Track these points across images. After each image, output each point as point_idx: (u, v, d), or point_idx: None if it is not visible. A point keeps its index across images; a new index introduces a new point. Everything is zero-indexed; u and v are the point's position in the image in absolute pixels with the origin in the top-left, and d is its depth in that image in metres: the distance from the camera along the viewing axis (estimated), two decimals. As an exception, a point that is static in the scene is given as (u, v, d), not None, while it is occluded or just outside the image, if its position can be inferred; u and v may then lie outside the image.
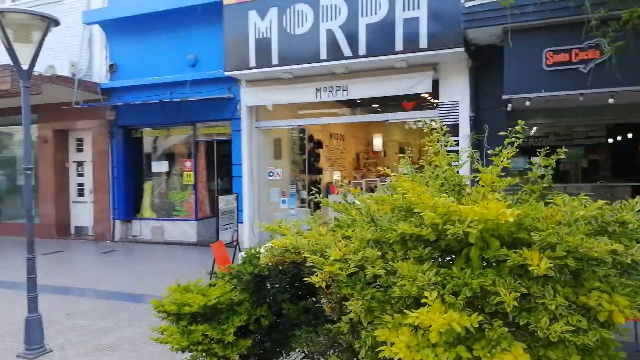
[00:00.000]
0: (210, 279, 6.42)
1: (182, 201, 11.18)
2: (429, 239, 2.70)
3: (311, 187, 12.29)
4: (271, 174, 10.42)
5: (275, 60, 8.99)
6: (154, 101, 10.21)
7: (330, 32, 8.52)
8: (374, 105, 12.16)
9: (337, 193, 11.93)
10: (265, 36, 9.02)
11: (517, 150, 3.36)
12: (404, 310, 2.51)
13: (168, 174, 11.41)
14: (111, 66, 11.25)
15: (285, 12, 8.85)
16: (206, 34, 10.09)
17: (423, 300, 2.38)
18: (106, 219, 11.40)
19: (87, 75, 11.22)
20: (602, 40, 6.18)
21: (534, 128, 10.32)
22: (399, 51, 8.08)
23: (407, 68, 8.55)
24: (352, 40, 8.36)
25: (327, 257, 2.79)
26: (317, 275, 2.73)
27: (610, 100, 6.50)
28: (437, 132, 3.58)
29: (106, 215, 11.40)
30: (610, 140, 11.06)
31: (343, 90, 9.13)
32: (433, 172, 3.34)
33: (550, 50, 6.78)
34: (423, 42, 7.90)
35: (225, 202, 6.60)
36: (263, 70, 9.19)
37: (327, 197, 10.72)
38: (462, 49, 7.66)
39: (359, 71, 8.95)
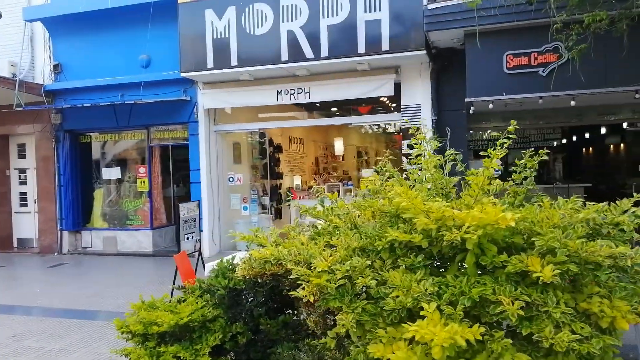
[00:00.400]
0: (172, 294, 6.06)
1: (136, 209, 10.62)
2: (420, 245, 2.57)
3: (272, 192, 12.05)
4: (231, 179, 10.09)
5: (234, 61, 8.69)
6: (104, 104, 9.64)
7: (291, 33, 8.33)
8: (332, 109, 12.11)
9: (300, 198, 11.74)
10: (223, 36, 8.71)
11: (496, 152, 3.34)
12: (399, 323, 2.37)
13: (120, 181, 10.82)
14: (55, 66, 10.55)
15: (244, 12, 8.58)
16: (160, 33, 9.63)
17: (422, 313, 2.24)
18: (52, 230, 10.66)
19: (29, 76, 10.48)
20: (559, 44, 6.34)
21: (488, 131, 10.56)
22: (361, 53, 8.01)
23: (369, 71, 8.49)
24: (314, 42, 8.21)
25: (312, 268, 2.60)
26: (302, 289, 2.54)
27: (572, 103, 6.69)
28: (420, 134, 3.48)
29: (52, 225, 10.66)
30: (565, 142, 11.46)
31: (305, 93, 8.96)
32: (419, 176, 3.23)
33: (510, 54, 6.91)
34: (385, 45, 7.86)
35: (186, 209, 6.26)
36: (221, 71, 8.87)
37: (288, 203, 10.35)
38: (424, 52, 7.67)
39: (321, 74, 8.81)
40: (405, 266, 2.60)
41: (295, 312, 3.39)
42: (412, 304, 2.33)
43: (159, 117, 10.02)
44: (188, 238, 6.30)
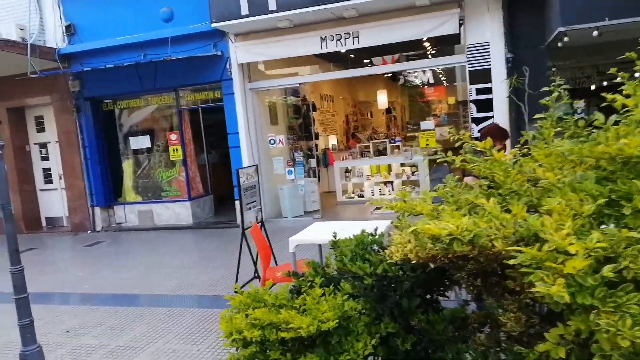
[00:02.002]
0: (256, 276, 5.28)
1: (170, 180, 9.81)
2: None
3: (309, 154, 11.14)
4: (272, 141, 9.18)
5: (272, 5, 7.61)
6: (127, 64, 8.65)
7: (338, -33, 7.21)
8: (365, 61, 11.01)
9: (343, 159, 10.84)
10: (258, -23, 7.60)
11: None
12: None
13: (150, 150, 9.96)
14: (68, 27, 9.52)
15: (281, -54, 7.44)
16: (182, -19, 8.54)
17: None
18: (83, 207, 9.93)
19: (40, 40, 9.47)
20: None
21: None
22: (422, -15, 6.90)
23: (429, 6, 7.41)
24: (365, -24, 7.10)
25: (550, 249, 1.73)
26: (550, 284, 1.66)
27: None
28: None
29: (82, 202, 9.92)
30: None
31: (353, 37, 7.90)
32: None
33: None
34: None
35: (245, 175, 5.40)
36: (257, 18, 7.80)
37: (326, 166, 9.44)
38: (498, -22, 6.56)
39: (371, 14, 7.72)
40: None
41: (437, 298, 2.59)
42: None
43: (187, 76, 9.04)
44: (250, 208, 5.46)
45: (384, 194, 10.24)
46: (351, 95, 16.65)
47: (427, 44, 10.04)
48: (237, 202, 8.93)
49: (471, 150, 2.66)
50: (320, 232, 4.41)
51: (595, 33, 5.78)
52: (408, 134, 14.70)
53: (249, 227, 5.53)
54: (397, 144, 10.50)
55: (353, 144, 13.83)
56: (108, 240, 9.06)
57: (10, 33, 8.97)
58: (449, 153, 2.77)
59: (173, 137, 9.55)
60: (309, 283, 2.65)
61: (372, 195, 10.30)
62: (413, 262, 2.12)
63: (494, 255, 1.98)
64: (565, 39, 6.09)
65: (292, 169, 9.18)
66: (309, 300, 2.47)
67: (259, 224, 5.55)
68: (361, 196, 10.37)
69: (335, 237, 2.92)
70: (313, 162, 9.76)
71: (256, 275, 5.54)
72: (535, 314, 2.13)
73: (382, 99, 13.09)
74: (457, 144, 2.80)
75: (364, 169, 10.47)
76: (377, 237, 2.83)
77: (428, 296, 2.58)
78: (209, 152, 10.89)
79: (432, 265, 2.21)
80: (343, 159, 10.83)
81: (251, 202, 5.53)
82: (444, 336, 2.38)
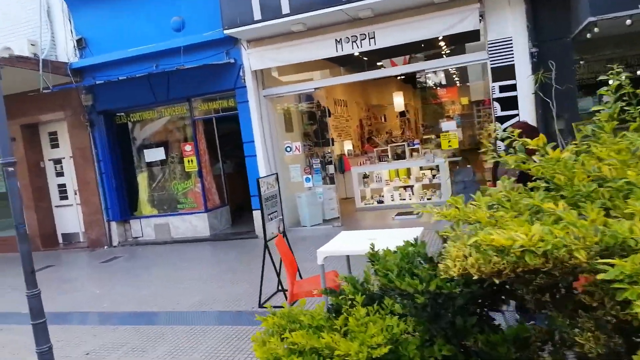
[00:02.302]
0: (280, 288, 5.04)
1: (186, 192, 9.65)
2: None
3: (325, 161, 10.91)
4: (289, 149, 8.97)
5: (285, 9, 7.43)
6: (140, 75, 8.53)
7: (352, -33, 7.00)
8: (379, 63, 10.78)
9: (360, 164, 10.58)
10: (270, -19, 7.43)
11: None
12: None
13: (164, 162, 9.82)
14: (79, 41, 9.45)
15: (292, -51, 7.27)
16: (192, -10, 8.41)
17: None
18: (99, 222, 9.80)
19: (51, 55, 9.41)
20: None
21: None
22: (440, -19, 6.66)
23: (447, 2, 7.15)
24: (380, -26, 6.88)
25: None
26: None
27: None
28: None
29: (98, 217, 9.80)
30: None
31: (369, 38, 7.67)
32: None
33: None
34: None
35: (266, 185, 5.19)
36: (270, 23, 7.61)
37: (342, 172, 9.12)
38: (520, -30, 6.29)
39: (387, 13, 7.50)
40: None
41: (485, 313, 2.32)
42: None
43: (200, 86, 8.89)
44: (271, 218, 5.24)
45: (403, 199, 9.97)
46: (364, 100, 16.42)
47: (442, 43, 9.82)
48: (254, 212, 8.77)
49: (523, 149, 2.41)
50: (348, 242, 4.16)
51: (628, 22, 5.48)
52: (424, 137, 14.42)
53: (272, 238, 5.31)
54: (415, 146, 10.21)
55: (369, 148, 13.58)
56: (125, 255, 8.90)
57: (22, 49, 8.91)
58: (488, 153, 2.52)
59: (188, 148, 9.40)
60: (350, 301, 2.41)
61: (392, 200, 10.02)
62: (474, 277, 1.86)
63: (571, 268, 1.73)
64: (595, 29, 5.79)
65: (310, 176, 8.95)
66: (352, 321, 2.23)
67: (282, 234, 5.32)
68: (380, 202, 10.11)
69: (373, 248, 2.67)
70: (331, 169, 9.52)
71: (280, 289, 5.31)
72: (617, 334, 1.86)
73: (399, 101, 12.85)
74: (505, 142, 2.55)
75: (383, 174, 10.21)
76: (419, 248, 2.57)
77: (480, 312, 2.32)
78: (224, 162, 10.72)
79: (495, 280, 1.94)
80: (360, 164, 10.58)
81: (272, 212, 5.30)
82: (507, 359, 2.12)
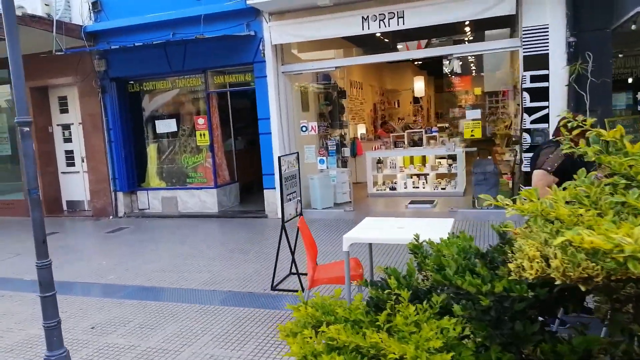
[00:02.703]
0: (292, 273, 4.83)
1: (196, 166, 9.41)
2: None
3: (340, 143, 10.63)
4: (305, 128, 8.69)
5: (312, -18, 7.09)
6: (156, 42, 8.22)
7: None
8: (399, 46, 10.44)
9: (374, 149, 10.31)
10: (298, -49, 7.08)
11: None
12: None
13: (175, 134, 9.57)
14: (94, 4, 9.12)
15: None
16: (215, -45, 8.05)
17: None
18: (105, 191, 9.60)
19: (66, 17, 9.08)
20: None
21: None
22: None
23: (483, -16, 6.80)
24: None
25: None
26: None
27: None
28: None
29: (105, 186, 9.59)
30: None
31: (398, 17, 7.34)
32: None
33: None
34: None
35: (287, 164, 4.94)
36: (296, -4, 7.28)
37: (354, 156, 8.80)
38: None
39: (419, -8, 7.15)
40: None
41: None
42: None
43: (218, 58, 8.59)
44: (290, 199, 5.01)
45: (417, 187, 9.72)
46: (379, 83, 16.05)
47: (467, 29, 9.46)
48: (265, 192, 8.55)
49: (598, 141, 2.15)
50: (376, 229, 3.93)
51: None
52: (439, 125, 14.09)
53: (289, 219, 5.10)
54: (433, 134, 9.92)
55: (382, 133, 13.30)
56: (131, 227, 8.72)
57: (35, 8, 8.59)
58: (566, 142, 2.26)
59: (201, 121, 9.13)
60: (395, 297, 2.18)
61: (405, 188, 9.78)
62: (557, 282, 1.63)
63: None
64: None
65: (324, 158, 8.69)
66: (400, 319, 2.00)
67: (299, 216, 5.10)
68: (393, 188, 9.86)
69: (417, 239, 2.44)
70: (346, 152, 9.26)
71: (294, 272, 5.10)
72: None
73: (419, 86, 12.47)
74: (575, 132, 2.28)
75: (397, 160, 9.95)
76: (469, 242, 2.34)
77: (537, 318, 2.09)
78: (236, 139, 10.46)
79: (582, 288, 1.70)
80: (374, 149, 10.31)
81: (291, 193, 5.07)
82: (573, 372, 1.89)
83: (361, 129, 12.46)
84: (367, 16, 7.49)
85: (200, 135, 9.16)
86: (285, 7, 7.77)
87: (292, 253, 4.93)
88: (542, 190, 2.07)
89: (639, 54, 7.38)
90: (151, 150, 9.74)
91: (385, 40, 10.29)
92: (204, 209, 9.24)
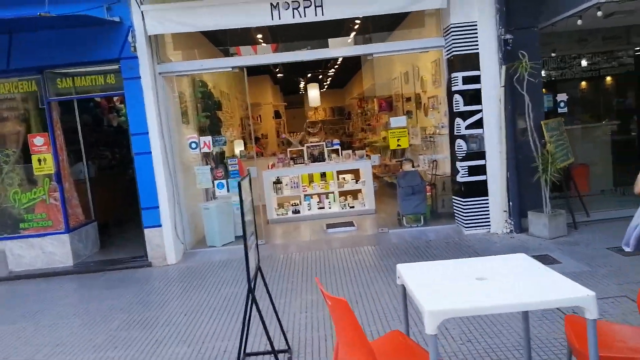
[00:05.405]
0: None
1: (33, 204, 6.66)
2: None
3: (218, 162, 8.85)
4: (194, 145, 6.78)
5: (208, -47, 5.40)
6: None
7: None
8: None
9: (270, 167, 8.79)
10: None
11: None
12: None
13: (-5, 161, 6.68)
14: None
15: None
16: None
17: None
18: None
19: None
20: None
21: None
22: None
23: (412, -27, 5.98)
24: None
25: None
26: None
27: None
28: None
29: None
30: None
31: (316, 6, 6.09)
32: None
33: None
34: None
35: (245, 191, 3.21)
36: (184, -30, 5.50)
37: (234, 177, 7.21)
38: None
39: (339, -22, 6.02)
40: None
41: None
42: None
43: (62, 52, 6.18)
44: (251, 246, 3.29)
45: (322, 208, 8.53)
46: (242, 96, 14.50)
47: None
48: (146, 231, 6.39)
49: None
50: (450, 287, 2.51)
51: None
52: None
53: (255, 273, 3.33)
54: (334, 147, 8.85)
55: (258, 150, 11.82)
56: None
57: None
58: None
59: (38, 141, 6.48)
60: None
61: (309, 210, 8.50)
62: None
63: None
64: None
65: (223, 181, 6.90)
66: None
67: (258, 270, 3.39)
68: (297, 212, 8.49)
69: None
70: (254, 172, 7.56)
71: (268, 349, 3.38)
72: None
73: (314, 94, 11.25)
74: None
75: (298, 179, 8.63)
76: None
77: None
78: (86, 163, 7.89)
79: None
80: (270, 167, 8.81)
81: (250, 235, 3.36)
82: None
83: (239, 146, 10.79)
84: (277, 3, 6.06)
85: (39, 160, 6.50)
86: (168, -15, 5.89)
87: (266, 329, 3.20)
88: None
89: (561, 55, 7.40)
90: (-45, 186, 6.63)
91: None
92: (51, 264, 6.55)
